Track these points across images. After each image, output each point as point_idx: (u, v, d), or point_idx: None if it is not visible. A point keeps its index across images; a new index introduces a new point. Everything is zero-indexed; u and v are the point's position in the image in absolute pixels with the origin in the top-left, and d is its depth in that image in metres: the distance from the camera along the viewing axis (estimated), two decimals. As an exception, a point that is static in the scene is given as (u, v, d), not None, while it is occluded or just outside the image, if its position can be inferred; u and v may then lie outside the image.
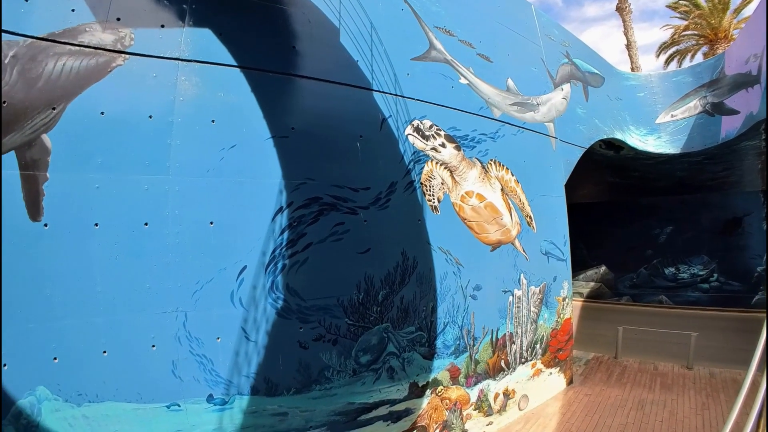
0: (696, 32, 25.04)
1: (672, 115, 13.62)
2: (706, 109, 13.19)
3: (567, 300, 8.91)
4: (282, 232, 5.18)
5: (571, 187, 17.90)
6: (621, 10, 24.16)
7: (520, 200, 7.75)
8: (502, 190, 7.36)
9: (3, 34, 4.00)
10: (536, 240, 8.14)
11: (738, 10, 24.15)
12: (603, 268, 18.46)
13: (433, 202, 6.37)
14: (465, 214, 6.72)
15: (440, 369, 6.49)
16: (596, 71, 11.64)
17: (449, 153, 6.60)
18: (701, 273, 16.55)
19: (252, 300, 4.97)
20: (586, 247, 18.82)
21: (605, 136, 11.16)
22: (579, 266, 18.90)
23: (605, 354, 11.45)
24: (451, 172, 6.59)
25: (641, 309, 16.59)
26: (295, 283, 5.21)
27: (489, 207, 7.08)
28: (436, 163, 6.45)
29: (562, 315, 8.76)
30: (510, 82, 8.03)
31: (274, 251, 5.12)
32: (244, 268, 4.94)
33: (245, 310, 4.92)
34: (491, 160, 7.30)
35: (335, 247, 5.49)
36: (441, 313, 6.44)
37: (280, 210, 5.18)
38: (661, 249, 17.34)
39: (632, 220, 17.85)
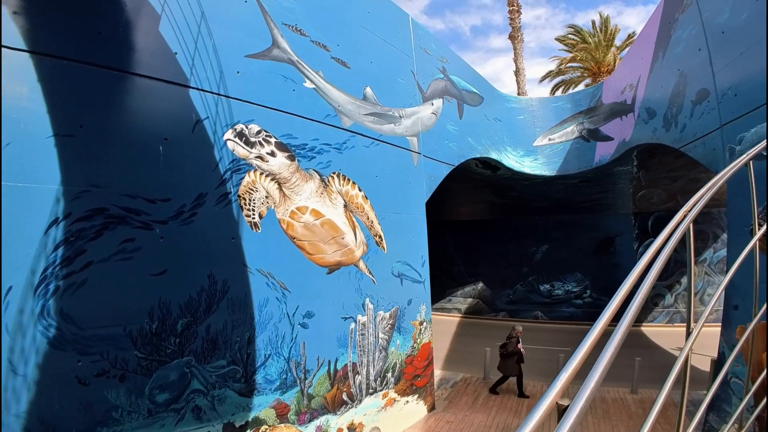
0: (581, 65, 26.76)
1: (550, 139, 14.06)
2: (582, 134, 13.74)
3: (425, 324, 8.50)
4: (56, 248, 4.21)
5: (451, 204, 18.19)
6: (513, 38, 25.35)
7: (368, 218, 7.19)
8: (345, 206, 6.75)
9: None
10: (387, 261, 7.62)
11: (621, 48, 26.12)
12: (481, 285, 18.85)
13: (253, 218, 5.57)
14: (295, 233, 5.99)
15: (263, 407, 5.69)
16: (474, 90, 11.60)
17: (279, 163, 5.86)
18: (575, 289, 17.31)
19: (19, 327, 4.02)
20: (465, 264, 19.17)
21: (478, 155, 11.08)
22: (457, 282, 19.16)
23: (475, 374, 11.27)
24: (280, 184, 5.84)
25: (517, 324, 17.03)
26: (71, 308, 4.25)
27: (327, 225, 6.42)
28: (261, 173, 5.67)
29: (419, 340, 8.32)
30: (368, 90, 7.52)
31: (45, 270, 4.16)
32: (10, 289, 3.98)
33: (11, 338, 3.96)
34: (334, 173, 6.67)
35: (122, 267, 4.55)
36: (261, 344, 5.65)
37: (56, 222, 4.21)
38: (537, 266, 18.01)
39: (510, 238, 18.41)
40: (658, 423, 8.68)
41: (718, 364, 6.87)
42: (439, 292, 19.19)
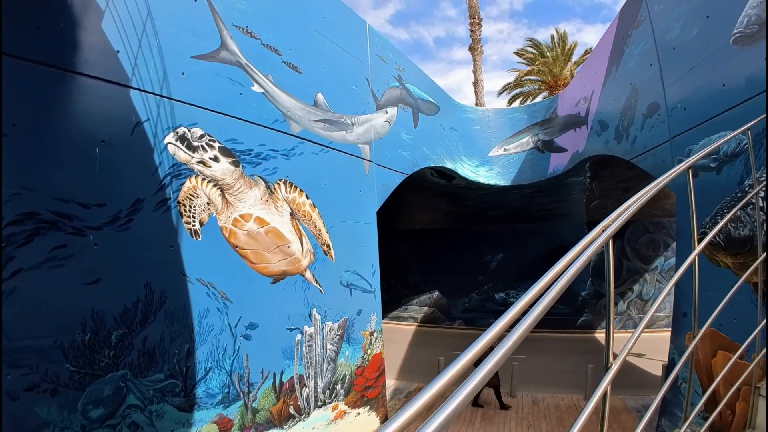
0: (539, 78, 27.48)
1: (505, 149, 14.27)
2: (537, 145, 13.99)
3: (376, 334, 8.38)
4: (-16, 255, 3.90)
5: (407, 213, 18.26)
6: (473, 50, 25.85)
7: (316, 226, 7.03)
8: (292, 214, 6.58)
9: None
10: (336, 270, 7.48)
11: (578, 63, 26.97)
12: (436, 293, 18.95)
13: (193, 226, 5.34)
14: (237, 241, 5.78)
15: (204, 422, 5.43)
16: (431, 99, 11.65)
17: (223, 168, 5.65)
18: (530, 298, 17.58)
19: (-56, 338, 3.67)
20: (421, 273, 19.25)
21: (433, 164, 11.11)
22: (413, 291, 19.20)
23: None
24: (222, 190, 5.63)
25: (473, 332, 17.17)
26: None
27: (272, 233, 6.23)
28: (203, 179, 5.45)
29: (370, 350, 8.19)
30: (320, 96, 7.39)
31: (-28, 277, 3.84)
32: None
33: (-65, 350, 3.60)
34: (281, 179, 6.50)
35: (53, 275, 4.26)
36: (201, 356, 5.40)
37: (-15, 226, 3.91)
38: (492, 275, 18.26)
39: (465, 247, 18.62)
40: (611, 428, 8.87)
41: (668, 369, 7.04)
42: (395, 300, 19.18)
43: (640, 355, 12.86)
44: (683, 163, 2.20)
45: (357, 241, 8.07)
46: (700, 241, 6.05)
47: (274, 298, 6.29)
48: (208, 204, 5.46)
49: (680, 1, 6.73)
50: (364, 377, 8.00)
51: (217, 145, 5.64)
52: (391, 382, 11.52)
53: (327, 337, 7.18)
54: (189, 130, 5.40)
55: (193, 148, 5.38)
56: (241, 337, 5.83)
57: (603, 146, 10.05)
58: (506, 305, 18.00)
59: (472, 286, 18.35)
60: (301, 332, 6.72)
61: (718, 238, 5.58)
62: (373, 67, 9.20)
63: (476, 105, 24.84)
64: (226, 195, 5.66)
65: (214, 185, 5.54)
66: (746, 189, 5.29)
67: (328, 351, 7.17)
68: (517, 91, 28.11)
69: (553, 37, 27.37)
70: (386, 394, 9.00)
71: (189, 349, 5.31)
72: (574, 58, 27.20)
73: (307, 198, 6.91)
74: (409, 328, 18.35)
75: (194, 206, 5.32)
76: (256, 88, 6.30)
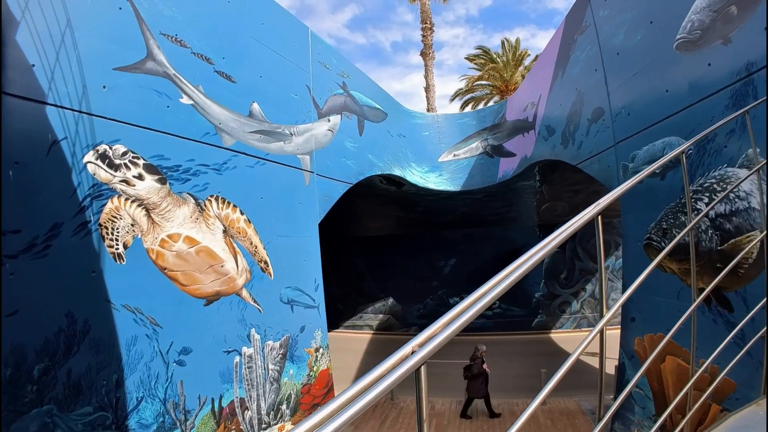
0: (490, 83, 27.98)
1: (455, 155, 14.36)
2: (486, 150, 14.13)
3: (322, 350, 8.18)
4: None
5: (359, 220, 18.15)
6: (425, 55, 26.07)
7: (252, 243, 6.78)
8: (225, 231, 6.32)
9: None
10: (275, 287, 7.23)
11: (529, 68, 27.59)
12: (391, 300, 18.89)
13: (117, 249, 5.01)
14: (166, 263, 5.47)
15: (137, 455, 5.12)
16: (377, 106, 11.56)
17: (148, 187, 5.33)
18: (484, 301, 17.76)
19: None
20: (375, 280, 19.13)
21: (380, 172, 11.01)
22: (368, 299, 19.07)
23: (383, 396, 11.06)
24: (148, 210, 5.31)
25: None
26: None
27: (203, 252, 5.95)
28: (127, 199, 5.13)
29: (316, 367, 7.98)
30: (255, 106, 7.15)
31: None
32: None
33: None
34: (212, 196, 6.22)
35: None
36: (131, 386, 5.08)
37: None
38: (446, 280, 18.34)
39: (418, 252, 18.63)
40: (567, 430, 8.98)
41: (619, 371, 7.15)
42: (350, 309, 19.00)
43: (594, 354, 13.12)
44: (592, 206, 2.11)
45: (298, 256, 7.85)
46: (645, 246, 6.13)
47: (208, 320, 6.00)
48: (132, 225, 5.14)
49: (624, 7, 6.77)
50: (312, 395, 7.79)
51: (141, 162, 5.32)
52: (344, 395, 11.33)
53: (268, 357, 6.93)
54: (110, 148, 5.07)
55: (114, 167, 5.05)
56: (174, 363, 5.53)
57: (550, 151, 10.18)
58: (461, 309, 18.15)
59: (426, 292, 18.37)
60: (240, 354, 6.44)
61: (663, 244, 5.66)
62: (315, 74, 9.02)
63: (428, 110, 25.03)
64: (152, 215, 5.35)
65: (139, 205, 5.22)
66: (690, 195, 5.38)
67: (270, 371, 6.92)
68: (470, 96, 28.53)
69: (503, 43, 27.95)
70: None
71: (118, 379, 4.99)
72: (526, 62, 27.83)
73: (242, 214, 6.64)
74: (364, 336, 18.17)
75: (117, 228, 5.00)
76: (185, 99, 6.01)
